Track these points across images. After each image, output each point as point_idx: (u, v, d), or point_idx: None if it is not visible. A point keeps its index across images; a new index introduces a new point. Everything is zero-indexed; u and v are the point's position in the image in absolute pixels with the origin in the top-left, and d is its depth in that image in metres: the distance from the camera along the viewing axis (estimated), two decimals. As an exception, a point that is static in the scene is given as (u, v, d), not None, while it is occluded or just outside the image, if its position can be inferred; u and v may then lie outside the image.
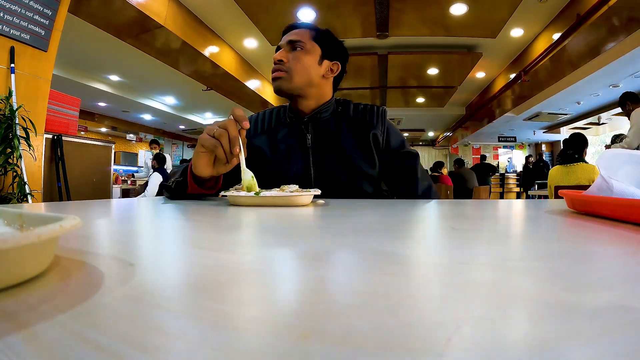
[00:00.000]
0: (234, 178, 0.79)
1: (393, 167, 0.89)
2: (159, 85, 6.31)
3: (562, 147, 2.70)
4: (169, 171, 4.47)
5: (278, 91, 0.87)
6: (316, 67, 0.88)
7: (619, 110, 6.44)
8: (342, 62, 0.92)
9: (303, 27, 0.91)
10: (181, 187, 0.72)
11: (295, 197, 0.55)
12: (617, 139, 3.68)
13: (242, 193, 0.58)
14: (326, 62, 0.89)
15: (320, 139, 0.87)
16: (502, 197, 8.70)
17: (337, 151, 0.85)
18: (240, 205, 0.56)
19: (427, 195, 0.87)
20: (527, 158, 8.07)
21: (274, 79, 0.87)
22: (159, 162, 4.41)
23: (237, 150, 0.61)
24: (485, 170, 6.50)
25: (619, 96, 3.06)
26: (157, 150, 4.30)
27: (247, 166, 0.63)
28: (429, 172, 5.39)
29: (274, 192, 0.58)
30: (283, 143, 0.89)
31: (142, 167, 4.38)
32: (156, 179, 4.16)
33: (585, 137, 2.59)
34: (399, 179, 0.89)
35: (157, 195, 4.09)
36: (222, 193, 0.62)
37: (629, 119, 2.89)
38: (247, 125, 0.62)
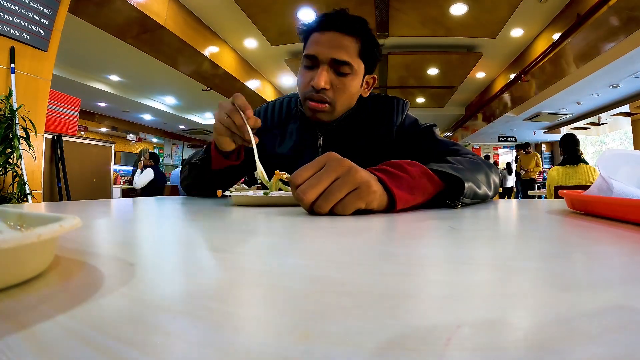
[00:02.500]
0: (248, 167, 0.79)
1: (410, 145, 0.77)
2: (159, 85, 6.31)
3: (562, 147, 2.71)
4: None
5: (314, 121, 0.78)
6: (359, 89, 0.76)
7: (619, 110, 6.47)
8: (375, 68, 0.79)
9: (349, 33, 0.71)
10: (206, 163, 0.73)
11: None
12: None
13: (249, 193, 0.58)
14: (366, 78, 0.78)
15: (331, 140, 0.80)
16: (501, 198, 8.70)
17: (349, 152, 0.80)
18: (243, 204, 0.56)
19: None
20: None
21: (312, 109, 0.74)
22: (154, 160, 4.47)
23: (248, 136, 0.61)
24: None
25: (619, 96, 3.07)
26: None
27: (251, 158, 0.64)
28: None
29: (277, 193, 0.58)
30: (293, 138, 0.83)
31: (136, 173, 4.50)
32: (148, 175, 4.23)
33: (576, 136, 2.63)
34: (419, 153, 0.69)
35: (145, 189, 4.15)
36: (226, 192, 0.62)
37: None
38: (250, 113, 0.62)
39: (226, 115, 0.62)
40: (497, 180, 0.64)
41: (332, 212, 0.40)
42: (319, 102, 0.73)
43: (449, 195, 0.51)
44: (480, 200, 0.58)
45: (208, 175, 0.76)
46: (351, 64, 0.71)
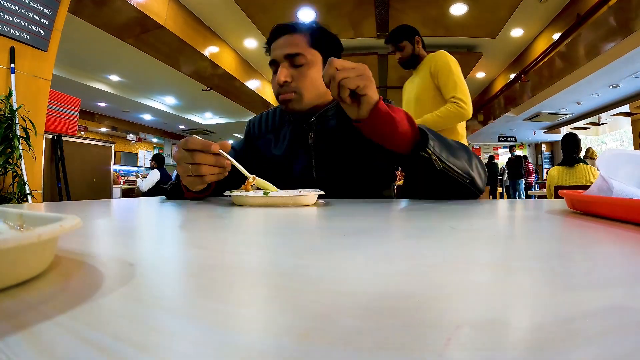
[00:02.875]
0: (233, 181, 0.79)
1: None
2: (159, 85, 6.31)
3: (562, 148, 2.73)
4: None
5: (291, 113, 0.84)
6: (321, 79, 0.83)
7: (619, 110, 6.48)
8: (340, 55, 0.85)
9: (295, 32, 0.81)
10: (177, 191, 0.75)
11: (299, 197, 0.55)
12: None
13: (249, 192, 0.58)
14: None
15: (321, 138, 0.85)
16: (501, 198, 8.70)
17: (339, 150, 0.82)
18: (243, 205, 0.56)
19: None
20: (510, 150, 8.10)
21: (283, 102, 0.82)
22: (158, 163, 4.49)
23: (229, 164, 0.61)
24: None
25: (619, 96, 3.08)
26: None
27: (253, 167, 0.63)
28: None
29: (279, 192, 0.58)
30: (286, 142, 0.88)
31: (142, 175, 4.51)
32: (154, 176, 4.26)
33: (578, 136, 2.65)
34: None
35: (153, 193, 4.16)
36: (226, 192, 0.62)
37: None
38: (216, 147, 0.59)
39: (189, 165, 0.59)
40: (478, 164, 0.68)
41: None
42: (285, 94, 0.80)
43: (420, 144, 0.60)
44: (461, 170, 0.62)
45: (182, 198, 0.75)
46: (303, 54, 0.79)
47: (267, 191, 0.59)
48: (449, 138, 0.67)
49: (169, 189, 0.77)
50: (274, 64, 0.82)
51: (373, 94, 0.57)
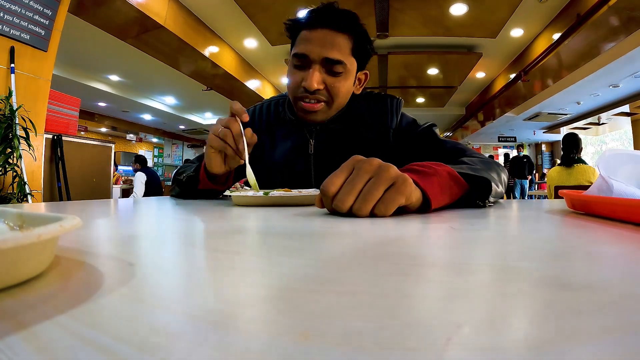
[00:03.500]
0: (240, 174, 0.79)
1: (410, 147, 0.74)
2: (159, 85, 6.31)
3: (562, 147, 2.75)
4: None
5: (307, 122, 0.75)
6: (352, 87, 0.74)
7: (619, 110, 6.48)
8: (367, 63, 0.76)
9: (341, 31, 0.69)
10: (193, 182, 0.70)
11: (299, 197, 0.55)
12: None
13: (249, 193, 0.58)
14: (358, 75, 0.75)
15: (323, 146, 0.78)
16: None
17: (340, 159, 0.78)
18: (243, 205, 0.56)
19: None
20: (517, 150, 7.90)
21: (303, 110, 0.72)
22: (140, 163, 4.42)
23: (242, 146, 0.62)
24: None
25: (619, 96, 3.11)
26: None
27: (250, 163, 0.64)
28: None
29: (279, 192, 0.58)
30: (283, 143, 0.81)
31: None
32: (141, 178, 4.19)
33: (578, 136, 2.68)
34: (422, 154, 0.67)
35: (145, 194, 4.12)
36: (226, 192, 0.62)
37: None
38: (246, 118, 0.62)
39: (221, 128, 0.62)
40: (506, 178, 0.64)
41: (373, 214, 0.38)
42: (312, 103, 0.71)
43: (475, 195, 0.51)
44: (499, 197, 0.58)
45: (194, 192, 0.73)
46: (344, 63, 0.69)
47: (268, 191, 0.59)
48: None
49: (185, 180, 0.71)
50: (303, 59, 0.69)
51: (417, 199, 0.41)
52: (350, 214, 0.39)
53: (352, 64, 0.71)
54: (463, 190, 0.50)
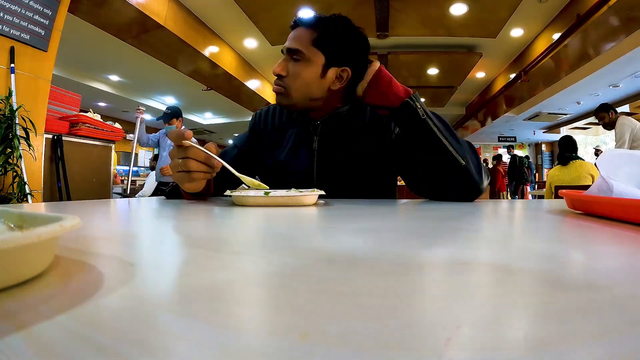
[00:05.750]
0: (228, 184, 0.80)
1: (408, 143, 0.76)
2: (159, 85, 6.31)
3: (559, 149, 2.96)
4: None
5: (282, 107, 0.83)
6: (317, 81, 0.77)
7: (619, 110, 6.45)
8: (356, 63, 0.77)
9: (305, 26, 0.79)
10: (176, 192, 0.75)
11: (299, 197, 0.55)
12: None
13: (250, 192, 0.58)
14: (332, 71, 0.77)
15: (327, 143, 0.82)
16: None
17: (343, 156, 0.81)
18: (243, 205, 0.56)
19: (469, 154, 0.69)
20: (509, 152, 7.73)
21: (274, 92, 0.81)
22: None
23: (219, 165, 0.61)
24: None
25: (619, 96, 3.20)
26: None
27: (255, 165, 0.64)
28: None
29: (279, 192, 0.58)
30: (290, 141, 0.86)
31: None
32: (153, 178, 4.18)
33: (573, 138, 2.90)
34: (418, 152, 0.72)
35: (153, 194, 4.11)
36: (227, 192, 0.62)
37: (608, 129, 3.00)
38: (190, 135, 0.59)
39: (180, 160, 0.60)
40: (474, 157, 0.71)
41: None
42: (276, 86, 0.80)
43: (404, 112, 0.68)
44: (449, 144, 0.67)
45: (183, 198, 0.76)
46: (301, 52, 0.76)
47: (268, 191, 0.59)
48: None
49: (168, 190, 0.78)
50: (283, 54, 0.81)
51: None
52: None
53: (313, 53, 0.77)
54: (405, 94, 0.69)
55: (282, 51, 0.81)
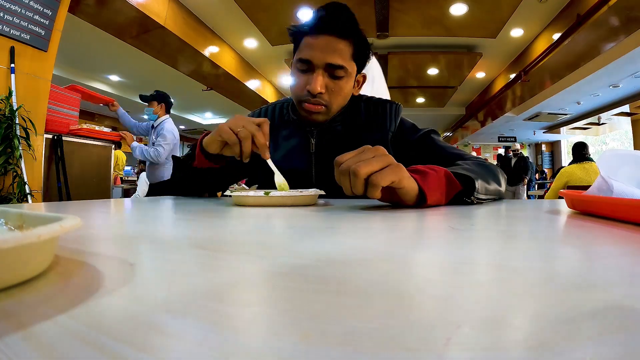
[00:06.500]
0: (230, 179, 0.80)
1: (409, 152, 0.77)
2: (159, 86, 6.26)
3: (572, 152, 3.15)
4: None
5: (310, 123, 0.79)
6: (351, 92, 0.78)
7: (619, 110, 6.48)
8: (365, 66, 0.78)
9: (342, 37, 0.72)
10: (189, 160, 0.75)
11: (299, 197, 0.55)
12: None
13: (250, 193, 0.58)
14: (357, 77, 0.79)
15: (324, 146, 0.81)
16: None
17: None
18: (243, 205, 0.56)
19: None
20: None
21: (307, 111, 0.75)
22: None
23: (268, 156, 0.63)
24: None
25: (619, 96, 3.33)
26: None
27: (250, 167, 0.64)
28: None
29: (279, 192, 0.58)
30: (285, 143, 0.84)
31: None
32: (144, 179, 4.20)
33: (586, 143, 3.10)
34: (421, 159, 0.69)
35: (147, 194, 4.12)
36: (226, 192, 0.62)
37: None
38: (268, 124, 0.64)
39: (241, 128, 0.61)
40: (502, 177, 0.68)
41: (366, 191, 0.46)
42: (315, 105, 0.75)
43: (464, 193, 0.56)
44: (494, 195, 0.62)
45: (189, 172, 0.76)
46: (345, 67, 0.73)
47: (268, 191, 0.59)
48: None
49: (183, 158, 0.78)
50: (307, 64, 0.73)
51: (408, 184, 0.47)
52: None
53: (352, 67, 0.75)
54: (457, 190, 0.55)
55: (305, 61, 0.73)
